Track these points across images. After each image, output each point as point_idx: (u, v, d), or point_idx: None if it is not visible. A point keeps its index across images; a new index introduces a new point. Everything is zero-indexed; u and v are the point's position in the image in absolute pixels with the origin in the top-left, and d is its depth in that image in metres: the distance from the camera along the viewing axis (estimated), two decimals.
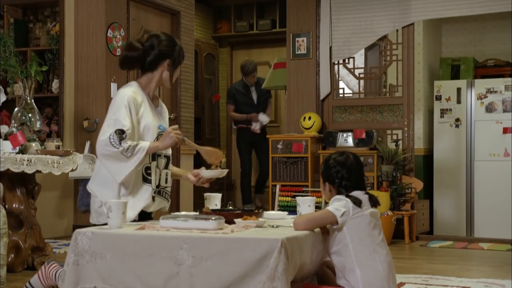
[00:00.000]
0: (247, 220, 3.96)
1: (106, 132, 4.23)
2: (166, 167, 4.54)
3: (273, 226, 4.00)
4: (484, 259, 6.98)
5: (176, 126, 4.44)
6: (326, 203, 7.29)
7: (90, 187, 4.46)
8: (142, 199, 4.34)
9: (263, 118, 10.77)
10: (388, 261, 3.84)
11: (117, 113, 4.27)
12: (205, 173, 4.59)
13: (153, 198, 4.41)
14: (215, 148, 4.56)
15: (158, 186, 4.48)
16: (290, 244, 3.48)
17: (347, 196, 3.85)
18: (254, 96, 10.92)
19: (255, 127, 10.74)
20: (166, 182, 4.54)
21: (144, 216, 4.39)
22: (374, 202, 3.93)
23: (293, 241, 3.55)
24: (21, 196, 5.76)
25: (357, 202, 3.82)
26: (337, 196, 3.89)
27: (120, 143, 4.18)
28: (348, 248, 3.80)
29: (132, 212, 4.25)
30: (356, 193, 3.88)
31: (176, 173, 4.77)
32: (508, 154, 9.26)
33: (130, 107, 4.29)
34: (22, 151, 5.56)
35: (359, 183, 3.95)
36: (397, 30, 8.54)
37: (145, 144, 4.26)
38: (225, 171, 4.59)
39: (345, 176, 3.91)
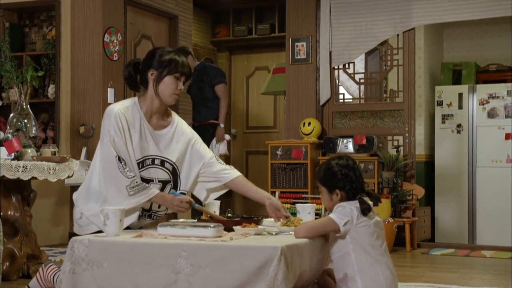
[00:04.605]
0: (246, 227, 3.92)
1: (109, 157, 4.15)
2: (161, 191, 4.37)
3: (272, 234, 3.93)
4: (487, 267, 6.90)
5: (187, 198, 4.29)
6: (326, 210, 7.23)
7: (75, 196, 4.37)
8: (128, 217, 4.19)
9: (215, 147, 8.75)
10: (390, 271, 3.79)
11: (110, 136, 4.18)
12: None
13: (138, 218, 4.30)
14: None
15: (149, 209, 4.35)
16: (290, 252, 3.45)
17: (360, 199, 3.76)
18: (190, 86, 9.10)
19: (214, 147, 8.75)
20: (159, 207, 4.37)
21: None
22: (376, 200, 3.86)
23: (293, 249, 3.52)
24: (16, 203, 5.68)
25: (367, 210, 3.74)
26: (342, 204, 3.81)
27: (126, 172, 4.10)
28: (350, 257, 3.75)
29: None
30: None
31: (250, 195, 4.57)
32: (510, 160, 9.21)
33: (118, 123, 4.19)
34: (18, 157, 5.50)
35: (362, 185, 3.89)
36: (397, 35, 8.47)
37: (152, 192, 4.17)
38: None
39: (353, 178, 3.84)
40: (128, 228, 4.20)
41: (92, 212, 4.21)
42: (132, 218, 4.21)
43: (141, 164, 4.28)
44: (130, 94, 7.84)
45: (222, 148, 8.73)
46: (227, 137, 8.80)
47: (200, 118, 8.85)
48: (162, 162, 4.37)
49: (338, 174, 3.85)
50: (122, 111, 4.23)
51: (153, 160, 4.34)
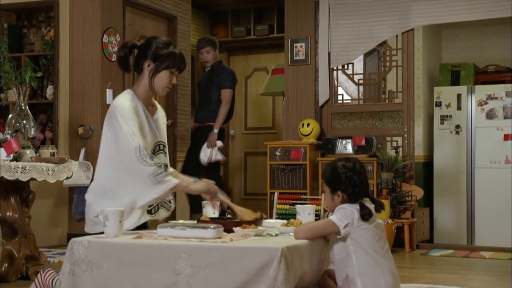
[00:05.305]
0: (246, 228, 3.89)
1: (128, 149, 4.15)
2: None
3: (272, 235, 3.92)
4: (486, 268, 6.90)
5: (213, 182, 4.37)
6: (325, 211, 7.22)
7: (88, 197, 4.36)
8: (142, 216, 4.27)
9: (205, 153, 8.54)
10: (393, 275, 3.78)
11: (131, 126, 4.19)
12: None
13: (151, 211, 4.31)
14: (249, 210, 4.39)
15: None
16: (290, 253, 3.44)
17: (361, 204, 3.75)
18: (202, 82, 9.06)
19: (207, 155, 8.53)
20: None
21: (140, 225, 4.30)
22: (379, 207, 3.85)
23: (293, 250, 3.51)
24: (15, 204, 5.67)
25: (367, 216, 3.72)
26: (343, 206, 3.80)
27: (148, 161, 4.12)
28: (351, 259, 3.74)
29: (132, 226, 4.23)
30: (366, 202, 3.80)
31: None
32: (509, 161, 9.18)
33: (133, 118, 4.22)
34: (17, 158, 5.49)
35: (367, 190, 3.87)
36: (396, 36, 8.46)
37: (174, 180, 4.19)
38: None
39: (357, 182, 3.82)
40: (144, 225, 4.29)
41: None
42: (144, 218, 4.27)
43: (152, 151, 4.36)
44: None
45: (214, 154, 8.48)
46: (219, 143, 8.52)
47: (199, 120, 8.73)
48: (163, 147, 4.49)
49: (342, 176, 3.84)
50: (131, 105, 4.28)
51: (159, 145, 4.42)
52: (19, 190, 5.72)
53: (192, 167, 8.36)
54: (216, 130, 8.53)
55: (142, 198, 4.16)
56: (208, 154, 8.47)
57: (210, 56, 8.75)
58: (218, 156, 8.48)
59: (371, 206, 3.82)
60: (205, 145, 8.51)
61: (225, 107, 8.60)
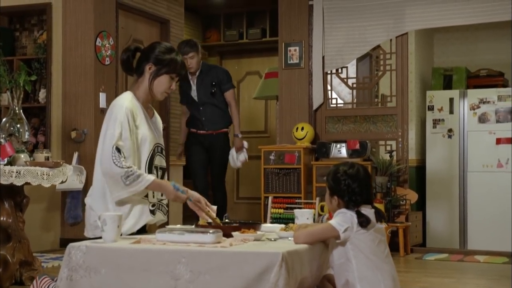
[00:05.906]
0: (245, 233, 3.87)
1: (107, 148, 4.13)
2: (161, 179, 4.41)
3: (271, 240, 3.90)
4: (481, 272, 6.90)
5: (185, 197, 4.29)
6: (320, 215, 7.21)
7: (88, 201, 4.33)
8: (143, 215, 4.24)
9: (237, 158, 8.42)
10: (392, 277, 3.76)
11: (115, 128, 4.16)
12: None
13: (153, 211, 4.30)
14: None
15: (160, 200, 4.40)
16: (290, 258, 3.41)
17: (357, 212, 3.72)
18: (194, 89, 8.34)
19: (237, 158, 8.42)
20: (161, 194, 4.42)
21: (138, 230, 4.27)
22: (380, 217, 3.82)
23: (294, 255, 3.48)
24: (9, 209, 5.62)
25: (365, 223, 3.69)
26: (342, 210, 3.77)
27: (121, 162, 4.08)
28: (351, 263, 3.71)
29: (134, 227, 4.20)
30: (365, 210, 3.75)
31: None
32: (501, 165, 9.20)
33: (129, 119, 4.20)
34: (11, 162, 5.44)
35: (369, 197, 3.83)
36: (390, 40, 8.45)
37: (149, 178, 4.16)
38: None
39: (356, 190, 3.78)
40: (143, 230, 4.27)
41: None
42: (147, 216, 4.27)
43: (153, 152, 4.35)
44: None
45: (242, 156, 8.33)
46: (246, 144, 8.38)
47: (212, 127, 8.27)
48: (161, 149, 4.48)
49: (341, 183, 3.80)
50: (130, 106, 4.26)
51: (157, 147, 4.42)
52: (13, 195, 5.67)
53: (204, 174, 8.28)
54: (240, 135, 8.36)
55: (115, 194, 4.14)
56: (237, 158, 8.36)
57: (194, 61, 8.15)
58: (244, 156, 8.38)
59: (371, 211, 3.78)
60: (233, 152, 8.33)
61: (236, 108, 8.36)
